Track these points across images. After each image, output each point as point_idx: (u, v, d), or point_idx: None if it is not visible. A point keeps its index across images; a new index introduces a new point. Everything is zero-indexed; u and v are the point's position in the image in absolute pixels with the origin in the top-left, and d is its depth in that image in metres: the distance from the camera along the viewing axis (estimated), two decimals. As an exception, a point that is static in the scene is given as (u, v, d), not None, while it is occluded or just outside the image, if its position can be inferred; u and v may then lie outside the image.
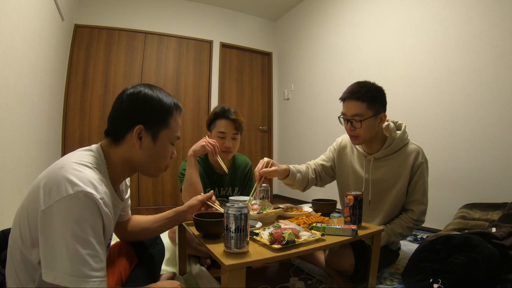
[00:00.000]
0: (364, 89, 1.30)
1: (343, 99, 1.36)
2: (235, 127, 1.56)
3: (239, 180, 1.67)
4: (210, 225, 0.95)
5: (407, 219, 1.36)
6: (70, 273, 0.59)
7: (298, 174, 1.46)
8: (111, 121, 0.81)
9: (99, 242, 0.64)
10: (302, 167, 1.52)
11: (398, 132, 1.41)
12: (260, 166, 1.30)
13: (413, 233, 2.10)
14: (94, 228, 0.63)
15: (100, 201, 0.65)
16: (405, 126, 1.43)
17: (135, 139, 0.77)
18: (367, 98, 1.29)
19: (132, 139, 0.77)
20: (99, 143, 0.81)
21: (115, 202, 0.83)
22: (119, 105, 0.79)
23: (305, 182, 1.50)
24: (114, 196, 0.82)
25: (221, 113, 1.55)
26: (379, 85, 1.35)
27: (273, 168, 1.30)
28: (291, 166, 1.45)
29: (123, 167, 0.81)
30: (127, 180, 0.98)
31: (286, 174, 1.41)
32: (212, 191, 1.17)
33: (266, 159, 1.33)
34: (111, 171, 0.79)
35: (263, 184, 1.40)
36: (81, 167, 0.68)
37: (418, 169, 1.35)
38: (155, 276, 1.19)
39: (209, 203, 1.16)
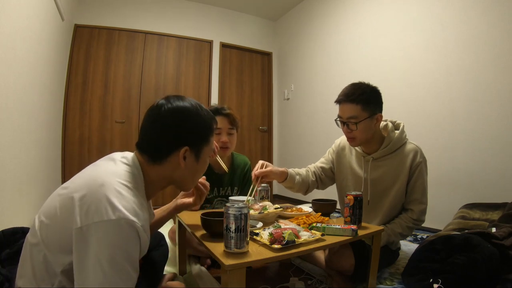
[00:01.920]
0: (358, 91, 1.30)
1: (338, 102, 1.36)
2: (230, 122, 1.57)
3: (238, 179, 1.67)
4: (217, 224, 0.95)
5: (407, 219, 1.36)
6: None
7: (297, 177, 1.46)
8: (149, 140, 0.77)
9: (134, 267, 0.64)
10: (302, 170, 1.53)
11: (396, 131, 1.41)
12: (256, 167, 1.33)
13: (413, 233, 2.10)
14: (131, 254, 0.63)
15: (141, 228, 0.64)
16: (403, 126, 1.43)
17: (181, 160, 0.76)
18: (361, 100, 1.29)
19: (176, 159, 0.76)
20: (135, 156, 0.77)
21: (150, 219, 0.82)
22: (158, 124, 0.76)
23: (306, 185, 1.51)
24: (150, 213, 0.81)
25: (214, 111, 1.56)
26: (374, 85, 1.35)
27: (268, 168, 1.32)
28: (290, 170, 1.45)
29: (161, 183, 0.80)
30: None
31: (284, 177, 1.42)
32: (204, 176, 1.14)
33: (261, 161, 1.35)
34: (147, 187, 0.77)
35: (262, 184, 1.40)
36: (123, 189, 0.66)
37: (416, 169, 1.35)
38: (158, 277, 1.19)
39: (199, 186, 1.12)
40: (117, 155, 0.77)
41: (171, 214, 1.10)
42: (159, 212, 1.10)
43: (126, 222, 0.61)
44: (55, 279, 0.65)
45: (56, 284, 0.65)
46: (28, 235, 0.70)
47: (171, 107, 0.76)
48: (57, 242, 0.64)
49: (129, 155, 0.77)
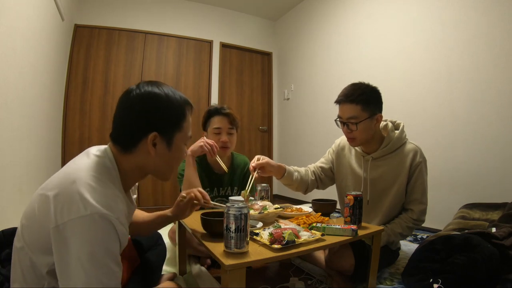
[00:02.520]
0: (358, 91, 1.30)
1: (338, 102, 1.36)
2: (230, 122, 1.56)
3: (238, 179, 1.67)
4: (217, 224, 0.95)
5: (407, 219, 1.36)
6: None
7: (296, 174, 1.47)
8: (119, 128, 0.75)
9: (115, 262, 0.63)
10: (301, 169, 1.54)
11: (396, 131, 1.41)
12: (253, 161, 1.37)
13: (413, 233, 2.10)
14: (110, 249, 0.62)
15: (116, 220, 0.63)
16: (403, 126, 1.43)
17: (150, 147, 0.73)
18: (361, 100, 1.29)
19: (146, 146, 0.73)
20: (109, 147, 0.76)
21: (129, 210, 0.80)
22: (127, 110, 0.74)
23: (305, 184, 1.51)
24: (128, 205, 0.79)
25: (214, 110, 1.57)
26: (374, 85, 1.35)
27: (264, 160, 1.36)
28: (288, 166, 1.46)
29: (135, 173, 0.78)
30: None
31: (282, 172, 1.43)
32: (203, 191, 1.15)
33: (257, 156, 1.38)
34: (123, 178, 0.75)
35: (262, 184, 1.40)
36: (95, 182, 0.65)
37: (416, 168, 1.35)
38: (156, 277, 1.19)
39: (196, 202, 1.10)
40: (93, 149, 0.75)
41: (169, 222, 1.09)
42: (155, 217, 1.08)
43: (100, 216, 0.60)
44: (44, 281, 0.65)
45: (45, 285, 0.65)
46: (14, 240, 0.70)
47: (139, 93, 0.74)
48: (38, 243, 0.64)
49: (104, 147, 0.76)
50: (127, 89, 0.77)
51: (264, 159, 1.36)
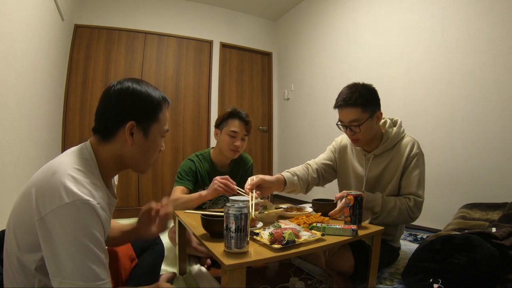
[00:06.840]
0: (355, 94, 1.29)
1: (337, 107, 1.36)
2: (247, 129, 1.60)
3: (240, 177, 1.67)
4: (217, 224, 0.95)
5: (403, 201, 1.29)
6: (75, 278, 0.60)
7: (295, 179, 1.42)
8: (99, 118, 0.79)
9: (100, 247, 0.64)
10: (300, 169, 1.49)
11: (394, 127, 1.41)
12: (246, 185, 1.28)
13: (413, 233, 2.10)
14: (94, 234, 0.63)
15: (98, 206, 0.65)
16: (401, 121, 1.44)
17: (127, 136, 0.76)
18: (360, 102, 1.28)
19: (124, 135, 0.76)
20: (89, 141, 0.80)
21: (110, 201, 0.81)
22: (107, 102, 0.78)
23: (306, 185, 1.48)
24: (109, 195, 0.80)
25: (235, 113, 1.58)
26: (369, 83, 1.35)
27: (258, 178, 1.28)
28: (285, 174, 1.41)
29: (113, 163, 0.80)
30: (115, 179, 0.95)
31: (283, 185, 1.39)
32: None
33: (250, 177, 1.31)
34: (102, 169, 0.78)
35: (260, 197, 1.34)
36: (75, 172, 0.67)
37: (413, 159, 1.33)
38: (155, 276, 1.19)
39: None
40: (72, 148, 0.78)
41: (131, 238, 1.03)
42: (123, 228, 1.03)
43: (81, 202, 0.62)
44: (34, 280, 0.66)
45: (36, 284, 0.66)
46: (4, 244, 0.71)
47: (119, 87, 0.77)
48: (26, 240, 0.65)
49: (83, 144, 0.78)
50: (109, 85, 0.80)
51: (257, 177, 1.29)
